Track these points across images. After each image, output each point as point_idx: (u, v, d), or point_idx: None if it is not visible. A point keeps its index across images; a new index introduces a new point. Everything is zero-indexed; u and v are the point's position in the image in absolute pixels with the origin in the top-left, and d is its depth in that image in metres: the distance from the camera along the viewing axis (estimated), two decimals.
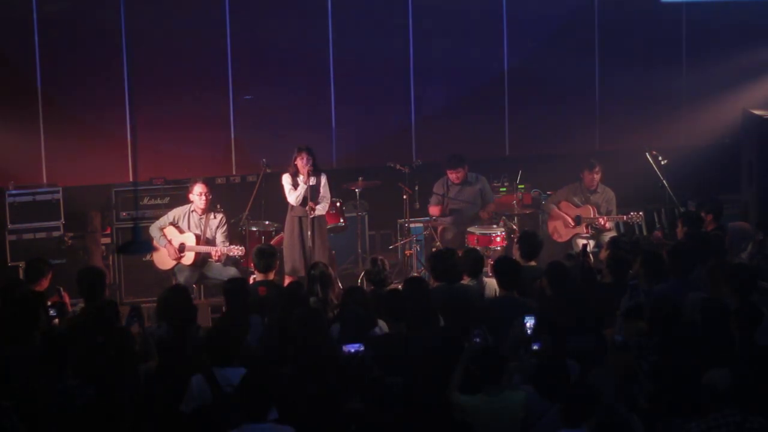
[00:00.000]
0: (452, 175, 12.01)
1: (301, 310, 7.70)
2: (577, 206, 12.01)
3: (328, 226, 11.59)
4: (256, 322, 8.10)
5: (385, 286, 8.84)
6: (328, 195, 11.19)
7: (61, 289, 8.79)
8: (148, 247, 10.76)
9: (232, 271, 10.74)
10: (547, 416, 6.44)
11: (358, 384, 6.46)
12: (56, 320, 8.11)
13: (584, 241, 11.23)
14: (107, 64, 12.31)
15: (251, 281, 9.73)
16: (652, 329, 7.18)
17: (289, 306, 8.00)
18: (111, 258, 11.81)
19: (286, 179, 11.03)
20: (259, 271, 9.24)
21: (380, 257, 9.06)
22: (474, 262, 8.95)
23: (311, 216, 10.90)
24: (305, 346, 7.11)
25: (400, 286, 9.06)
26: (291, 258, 10.97)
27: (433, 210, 12.10)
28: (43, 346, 6.87)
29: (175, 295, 8.02)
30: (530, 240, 9.51)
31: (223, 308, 8.81)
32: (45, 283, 8.82)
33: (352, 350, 6.94)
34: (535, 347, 7.05)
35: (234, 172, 12.90)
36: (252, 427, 6.10)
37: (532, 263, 9.38)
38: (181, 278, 10.75)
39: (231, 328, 7.19)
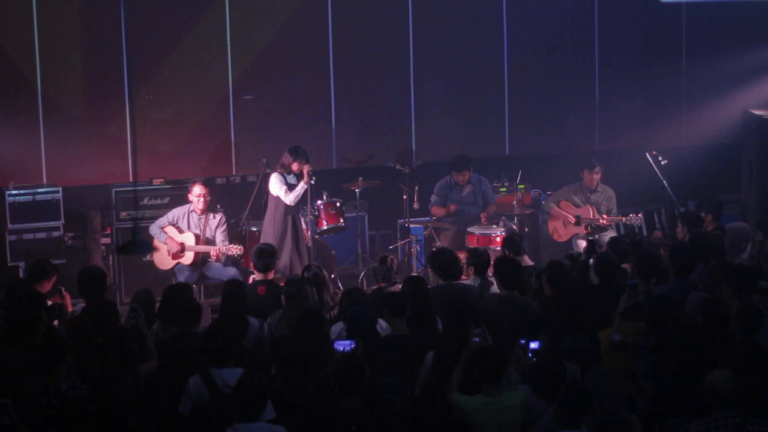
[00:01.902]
0: (457, 177, 12.00)
1: (301, 310, 7.70)
2: (578, 206, 12.01)
3: (329, 227, 11.60)
4: (252, 322, 8.08)
5: (391, 285, 8.84)
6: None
7: (62, 289, 8.78)
8: (148, 247, 10.77)
9: (232, 271, 10.75)
10: (546, 416, 6.44)
11: (355, 382, 6.45)
12: (55, 321, 8.10)
13: (584, 242, 11.21)
14: (107, 64, 12.30)
15: (251, 281, 9.72)
16: (649, 329, 7.18)
17: (292, 305, 8.01)
18: (111, 258, 11.81)
19: (277, 179, 10.96)
20: (259, 271, 9.23)
21: (390, 256, 9.06)
22: (482, 260, 8.95)
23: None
24: (305, 346, 7.11)
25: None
26: (285, 257, 10.94)
27: (436, 211, 12.08)
28: (41, 347, 6.86)
29: (179, 293, 8.01)
30: (513, 239, 9.56)
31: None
32: (47, 286, 8.81)
33: (344, 348, 6.94)
34: (533, 346, 7.03)
35: (234, 172, 12.90)
36: (244, 426, 6.09)
37: (527, 260, 9.39)
38: (181, 278, 10.76)
39: (228, 329, 7.17)
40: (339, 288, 10.66)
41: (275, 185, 10.97)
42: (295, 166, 10.94)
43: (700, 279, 8.62)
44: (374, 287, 8.99)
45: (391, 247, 12.55)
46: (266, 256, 9.20)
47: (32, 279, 8.86)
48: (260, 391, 6.22)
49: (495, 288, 8.75)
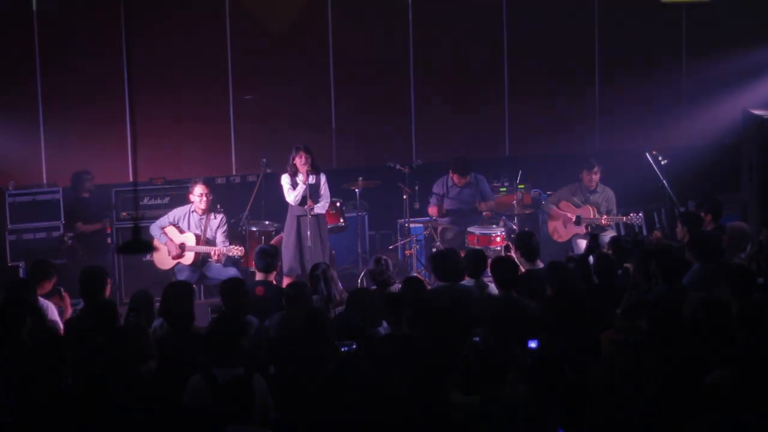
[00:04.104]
0: (458, 180, 12.00)
1: (303, 311, 7.71)
2: (577, 206, 12.01)
3: (328, 227, 11.59)
4: (250, 321, 8.09)
5: (387, 285, 8.84)
6: (328, 194, 11.18)
7: (62, 289, 8.78)
8: (148, 247, 10.74)
9: (232, 272, 10.74)
10: (544, 416, 6.43)
11: (355, 383, 6.45)
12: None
13: (584, 242, 11.21)
14: (107, 63, 12.31)
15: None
16: (651, 329, 7.18)
17: (293, 306, 8.01)
18: (111, 258, 11.81)
19: (284, 179, 11.03)
20: (260, 271, 9.24)
21: (384, 257, 9.06)
22: (475, 263, 8.94)
23: (310, 214, 10.88)
24: (306, 346, 7.12)
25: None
26: (289, 258, 10.97)
27: (431, 211, 12.10)
28: (41, 346, 6.87)
29: (179, 291, 8.02)
30: (527, 240, 9.46)
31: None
32: (48, 286, 8.79)
33: (346, 348, 6.94)
34: (532, 346, 7.04)
35: (234, 172, 12.92)
36: (236, 428, 6.07)
37: (540, 265, 9.32)
38: (181, 278, 10.74)
39: (230, 328, 7.17)
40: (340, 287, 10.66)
41: (283, 184, 11.00)
42: (297, 161, 10.93)
43: (699, 279, 8.61)
44: (373, 288, 8.98)
45: (390, 247, 12.56)
46: (268, 256, 9.21)
47: (32, 279, 8.85)
48: (249, 392, 6.18)
49: (491, 290, 8.75)
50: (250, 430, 6.11)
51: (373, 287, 8.96)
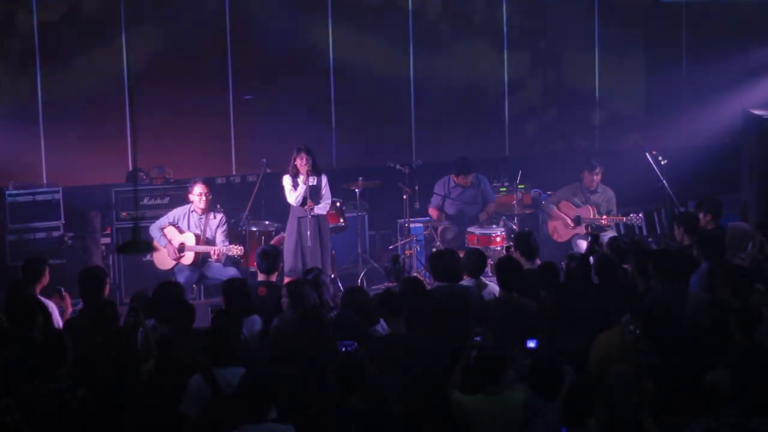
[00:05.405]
0: (460, 180, 12.01)
1: (303, 310, 7.71)
2: (578, 206, 12.01)
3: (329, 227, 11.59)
4: (255, 321, 8.09)
5: None
6: (329, 195, 11.18)
7: (62, 289, 8.77)
8: (148, 247, 10.75)
9: (231, 271, 10.74)
10: (544, 414, 6.44)
11: (356, 382, 6.46)
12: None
13: (584, 242, 11.21)
14: (107, 64, 12.32)
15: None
16: (644, 329, 7.16)
17: (292, 306, 8.01)
18: (111, 258, 11.81)
19: (286, 180, 11.02)
20: (262, 272, 9.24)
21: (401, 255, 9.00)
22: (477, 262, 8.93)
23: (310, 215, 10.88)
24: (306, 345, 7.12)
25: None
26: (290, 258, 10.97)
27: (431, 212, 12.10)
28: (40, 347, 6.87)
29: (168, 291, 8.02)
30: (526, 240, 9.46)
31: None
32: (45, 281, 8.81)
33: (346, 347, 6.94)
34: (530, 345, 7.04)
35: (234, 172, 12.92)
36: (251, 428, 6.08)
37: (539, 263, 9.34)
38: (181, 278, 10.75)
39: (230, 328, 7.17)
40: (339, 288, 10.66)
41: (284, 185, 10.99)
42: (298, 162, 10.92)
43: (708, 279, 8.59)
44: (382, 286, 8.96)
45: (390, 247, 12.55)
46: (270, 258, 9.20)
47: (30, 279, 8.84)
48: (264, 391, 6.20)
49: (490, 288, 8.75)
50: (268, 429, 6.12)
51: (382, 285, 8.90)
